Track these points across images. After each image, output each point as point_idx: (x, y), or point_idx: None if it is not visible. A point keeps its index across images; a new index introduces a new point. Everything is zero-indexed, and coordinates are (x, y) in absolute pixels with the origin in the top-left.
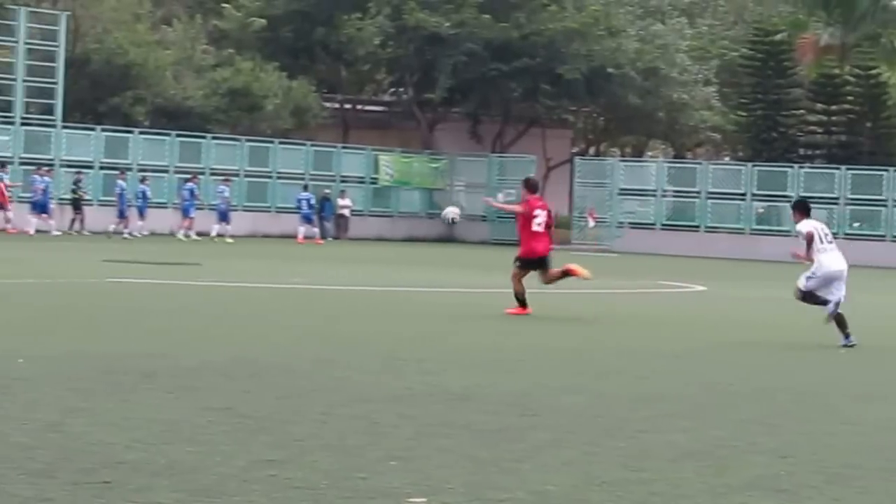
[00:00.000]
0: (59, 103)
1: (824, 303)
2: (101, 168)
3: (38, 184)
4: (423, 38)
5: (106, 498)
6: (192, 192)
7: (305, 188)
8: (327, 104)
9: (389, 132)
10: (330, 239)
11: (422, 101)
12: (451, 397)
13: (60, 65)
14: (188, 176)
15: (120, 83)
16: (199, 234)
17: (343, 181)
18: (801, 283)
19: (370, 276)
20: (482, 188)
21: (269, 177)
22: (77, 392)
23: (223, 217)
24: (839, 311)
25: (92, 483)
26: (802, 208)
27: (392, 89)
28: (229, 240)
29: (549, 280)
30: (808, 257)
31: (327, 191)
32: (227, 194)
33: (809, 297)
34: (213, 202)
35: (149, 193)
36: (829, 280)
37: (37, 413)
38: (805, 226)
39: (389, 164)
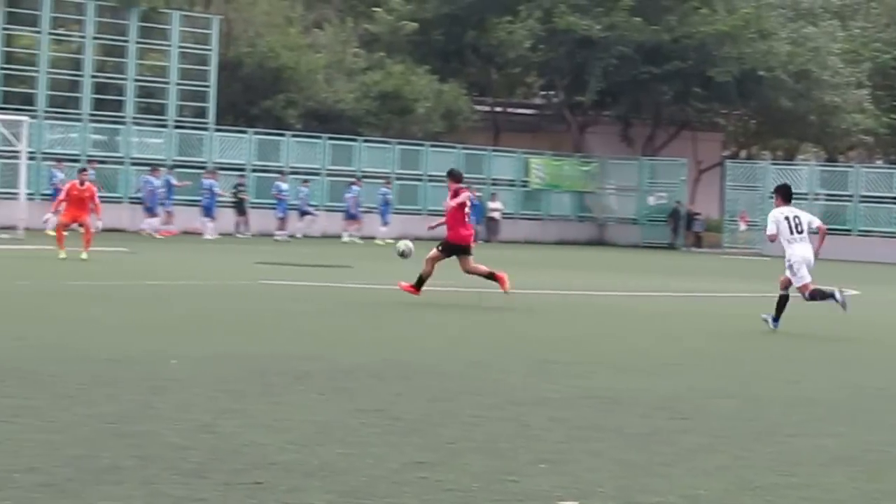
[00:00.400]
0: (211, 106)
1: (829, 297)
2: (254, 171)
3: (207, 187)
4: (574, 42)
5: (258, 499)
6: (354, 195)
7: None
8: (478, 107)
9: (540, 135)
10: (480, 242)
11: (572, 104)
12: (601, 400)
13: (213, 68)
14: (352, 179)
15: (272, 86)
16: (362, 237)
17: (494, 184)
18: (795, 279)
19: (520, 280)
20: (633, 191)
21: (420, 179)
22: (229, 393)
23: (383, 219)
24: (788, 293)
25: (244, 484)
26: (782, 193)
27: (543, 92)
28: (379, 242)
29: (471, 272)
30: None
31: (478, 194)
32: (389, 196)
33: (819, 294)
34: (373, 205)
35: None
36: (800, 265)
37: (190, 414)
38: (772, 218)
39: (540, 167)
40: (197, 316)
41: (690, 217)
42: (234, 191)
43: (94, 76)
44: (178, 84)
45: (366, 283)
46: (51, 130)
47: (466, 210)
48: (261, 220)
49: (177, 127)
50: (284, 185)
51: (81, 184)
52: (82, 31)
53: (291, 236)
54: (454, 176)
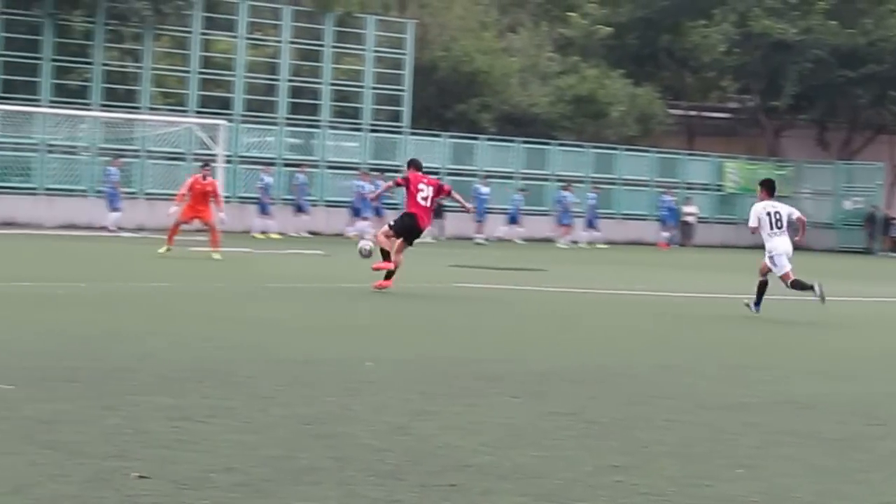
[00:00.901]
0: (406, 110)
1: (808, 288)
2: (449, 174)
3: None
4: (769, 45)
5: (452, 500)
6: (565, 199)
7: (665, 193)
8: (672, 111)
9: (735, 139)
10: (676, 246)
11: (768, 108)
12: (795, 405)
13: (408, 72)
14: (563, 184)
15: (466, 90)
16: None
17: (688, 188)
18: (775, 269)
19: (713, 284)
20: (829, 196)
21: (614, 183)
22: (425, 395)
23: (590, 224)
24: (767, 279)
25: (439, 486)
26: (767, 187)
27: (738, 96)
28: (601, 245)
29: (398, 252)
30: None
31: (674, 198)
32: (593, 201)
33: (799, 285)
34: (580, 211)
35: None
36: (780, 256)
37: (385, 416)
38: (753, 212)
39: (735, 171)
40: (392, 318)
41: (887, 221)
42: None
43: (290, 80)
44: (373, 88)
45: (560, 287)
46: (247, 134)
47: (422, 196)
48: (456, 223)
49: (372, 130)
50: (485, 189)
51: (204, 178)
52: (278, 35)
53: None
54: (412, 164)
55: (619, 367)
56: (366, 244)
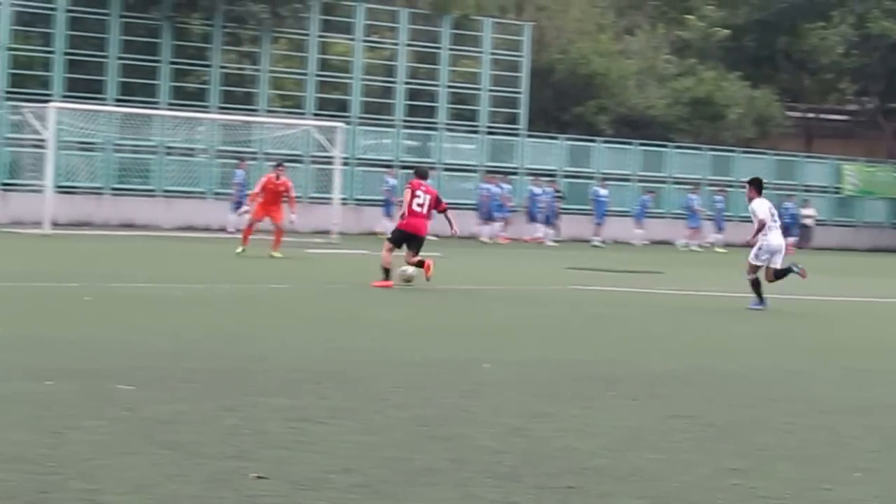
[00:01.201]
0: (523, 112)
1: (787, 272)
2: (565, 176)
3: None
4: (888, 47)
5: (570, 503)
6: (692, 202)
7: (787, 200)
8: (790, 113)
9: (853, 141)
10: (794, 249)
11: (887, 110)
12: None
13: (525, 75)
14: (691, 187)
15: (583, 93)
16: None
17: (806, 191)
18: (754, 259)
19: (832, 287)
20: None
21: (731, 186)
22: (542, 397)
23: (719, 227)
24: (756, 277)
25: (556, 488)
26: (757, 186)
27: (856, 98)
28: (719, 249)
29: (412, 262)
30: (754, 241)
31: (794, 204)
32: (721, 204)
33: (780, 274)
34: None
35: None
36: (773, 253)
37: (503, 417)
38: (761, 207)
39: (853, 173)
40: (509, 320)
41: None
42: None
43: (406, 83)
44: (490, 90)
45: (676, 289)
46: (364, 136)
47: (418, 202)
48: (574, 226)
49: (488, 133)
50: (603, 191)
51: (277, 178)
52: (395, 38)
53: (603, 242)
54: (417, 173)
55: (737, 370)
56: (408, 273)
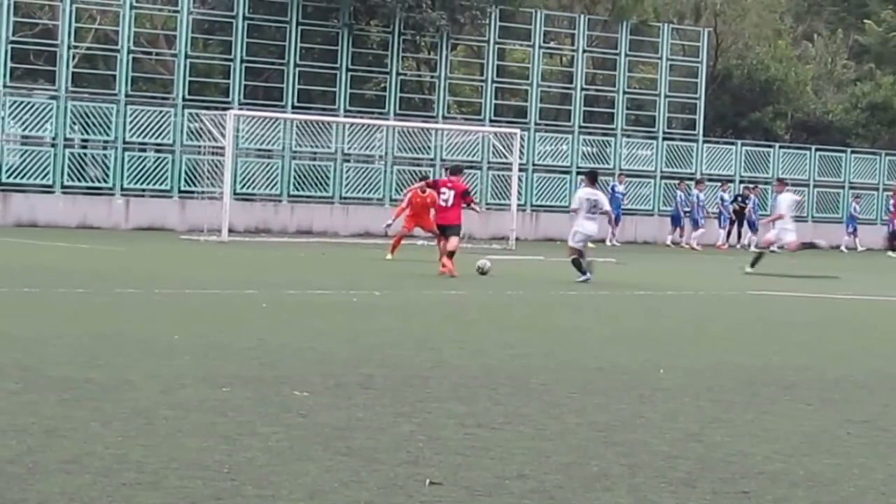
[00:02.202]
0: (700, 118)
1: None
2: (741, 182)
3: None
4: None
5: None
6: (854, 210)
7: None
8: None
9: None
10: None
11: None
12: None
13: (702, 80)
14: (854, 193)
15: (761, 98)
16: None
17: None
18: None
19: None
20: None
21: None
22: (717, 403)
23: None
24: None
25: (731, 493)
26: (591, 177)
27: None
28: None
29: (446, 251)
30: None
31: None
32: None
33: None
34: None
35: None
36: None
37: (678, 423)
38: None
39: None
40: (686, 326)
41: None
42: (735, 202)
43: (584, 88)
44: (668, 96)
45: (853, 294)
46: (542, 142)
47: (443, 199)
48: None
49: (665, 138)
50: (620, 187)
51: (423, 191)
52: (573, 44)
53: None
54: (450, 170)
55: None
56: (485, 264)
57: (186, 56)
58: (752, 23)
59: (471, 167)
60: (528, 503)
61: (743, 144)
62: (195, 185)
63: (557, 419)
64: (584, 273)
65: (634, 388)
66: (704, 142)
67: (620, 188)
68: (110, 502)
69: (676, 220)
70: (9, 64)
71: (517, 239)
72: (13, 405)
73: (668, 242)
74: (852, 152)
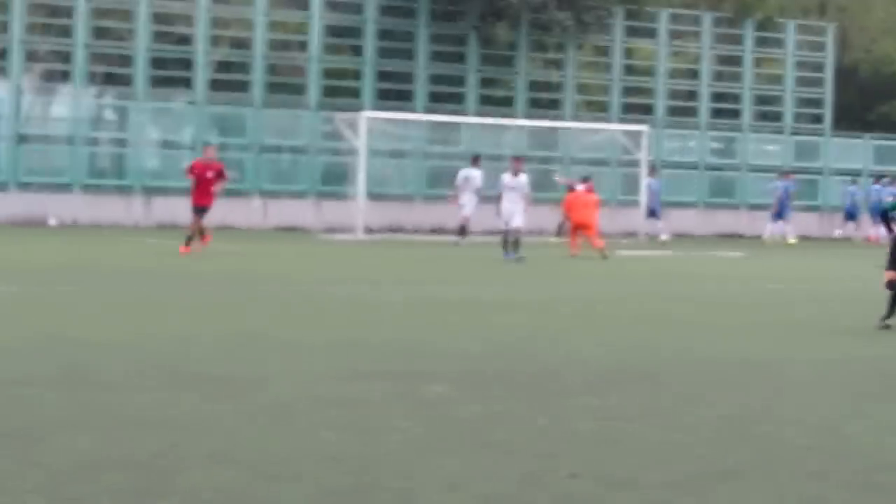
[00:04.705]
0: (827, 113)
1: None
2: (870, 175)
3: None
4: None
5: (881, 501)
6: None
7: None
8: None
9: None
10: None
11: None
12: None
13: (829, 75)
14: None
15: (888, 92)
16: None
17: None
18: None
19: None
20: None
21: None
22: (853, 395)
23: None
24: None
25: (865, 485)
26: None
27: None
28: None
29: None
30: None
31: None
32: None
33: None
34: None
35: None
36: None
37: (813, 415)
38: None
39: None
40: (816, 318)
41: None
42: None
43: (710, 85)
44: (795, 91)
45: None
46: (669, 139)
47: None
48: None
49: (793, 133)
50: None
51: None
52: (699, 42)
53: None
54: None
55: None
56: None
57: (319, 60)
58: (879, 17)
59: (599, 165)
60: (664, 496)
61: (871, 138)
62: (330, 185)
63: (690, 412)
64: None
65: (768, 381)
66: (832, 136)
67: (653, 181)
68: (255, 495)
69: (851, 215)
70: (148, 72)
71: (647, 235)
72: (158, 401)
73: (837, 235)
74: None
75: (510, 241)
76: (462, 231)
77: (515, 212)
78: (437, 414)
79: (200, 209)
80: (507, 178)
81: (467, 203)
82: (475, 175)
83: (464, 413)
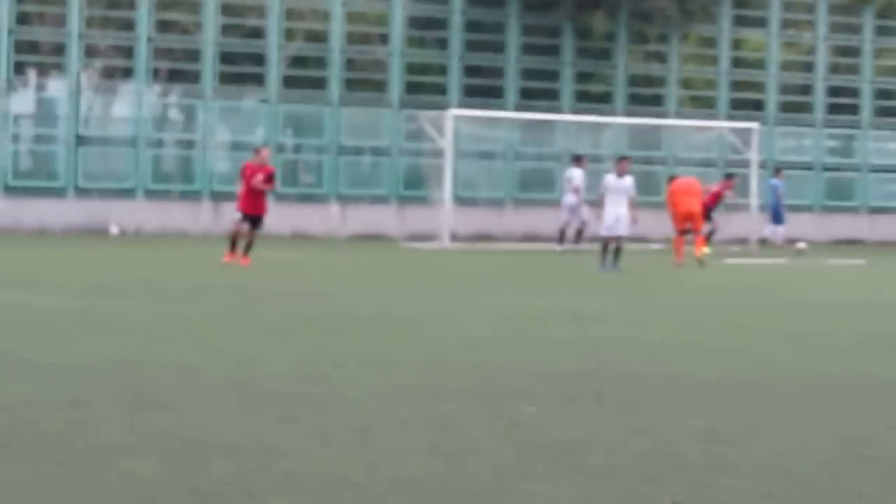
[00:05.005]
0: None
1: None
2: None
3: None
4: None
5: None
6: None
7: None
8: None
9: None
10: None
11: None
12: None
13: None
14: None
15: None
16: None
17: None
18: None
19: None
20: None
21: None
22: None
23: None
24: None
25: None
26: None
27: None
28: None
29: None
30: None
31: None
32: None
33: None
34: None
35: None
36: None
37: None
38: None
39: None
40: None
41: None
42: None
43: (826, 79)
44: None
45: None
46: (782, 137)
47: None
48: None
49: None
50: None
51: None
52: (813, 31)
53: None
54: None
55: None
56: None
57: (402, 54)
58: None
59: (705, 165)
60: None
61: None
62: (413, 189)
63: (804, 433)
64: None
65: (888, 400)
66: None
67: (779, 183)
68: None
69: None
70: (217, 68)
71: (760, 241)
72: (228, 423)
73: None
74: None
75: (611, 249)
76: (578, 236)
77: (621, 217)
78: (529, 436)
79: (253, 218)
80: (611, 179)
81: (570, 206)
82: (575, 175)
83: (557, 435)
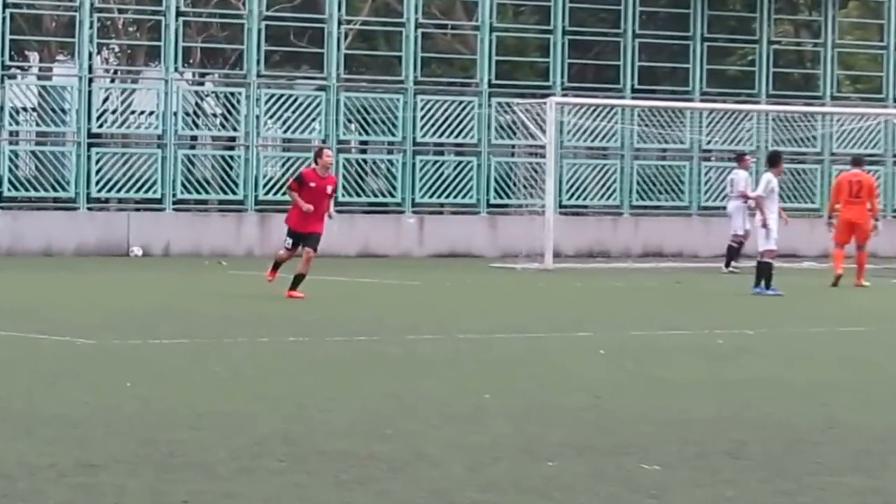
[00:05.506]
0: None
1: None
2: None
3: None
4: None
5: None
6: None
7: None
8: None
9: None
10: None
11: None
12: None
13: None
14: None
15: None
16: None
17: None
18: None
19: None
20: None
21: None
22: None
23: None
24: None
25: None
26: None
27: None
28: None
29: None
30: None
31: None
32: None
33: None
34: None
35: None
36: None
37: None
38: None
39: None
40: None
41: None
42: None
43: None
44: None
45: None
46: None
47: None
48: None
49: None
50: None
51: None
52: None
53: None
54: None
55: None
56: None
57: (492, 29)
58: None
59: (869, 162)
60: None
61: None
62: (509, 196)
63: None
64: None
65: None
66: None
67: None
68: None
69: None
70: (263, 46)
71: None
72: (278, 488)
73: None
74: None
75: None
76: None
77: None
78: (649, 501)
79: (310, 237)
80: (773, 179)
81: (735, 215)
82: (740, 177)
83: (685, 500)
